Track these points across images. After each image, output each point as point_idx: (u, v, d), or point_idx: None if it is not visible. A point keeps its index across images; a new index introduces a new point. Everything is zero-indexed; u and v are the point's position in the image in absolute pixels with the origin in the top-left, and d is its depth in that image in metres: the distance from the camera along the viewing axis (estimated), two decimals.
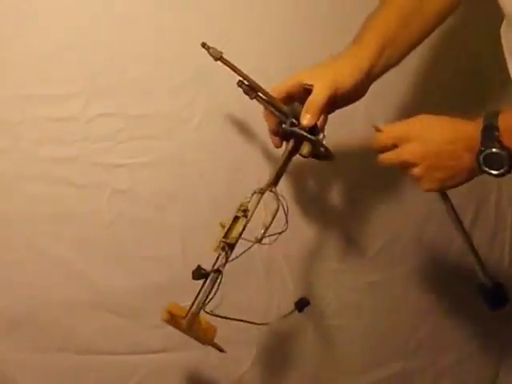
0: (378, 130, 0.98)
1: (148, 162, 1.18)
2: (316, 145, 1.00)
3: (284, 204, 0.97)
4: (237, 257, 0.95)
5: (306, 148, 1.00)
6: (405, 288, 1.44)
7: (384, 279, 1.42)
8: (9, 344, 1.12)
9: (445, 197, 1.03)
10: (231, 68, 0.99)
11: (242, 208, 0.94)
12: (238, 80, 1.01)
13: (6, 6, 1.07)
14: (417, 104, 1.35)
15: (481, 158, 0.90)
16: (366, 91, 1.06)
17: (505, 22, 1.03)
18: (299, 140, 1.01)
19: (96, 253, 1.16)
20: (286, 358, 1.36)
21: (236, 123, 1.22)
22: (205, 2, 1.21)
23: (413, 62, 1.24)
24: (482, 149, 0.90)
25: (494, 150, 0.89)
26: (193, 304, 0.93)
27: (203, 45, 0.97)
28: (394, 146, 0.96)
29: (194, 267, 1.19)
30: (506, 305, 1.08)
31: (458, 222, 1.06)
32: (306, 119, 0.99)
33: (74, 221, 1.14)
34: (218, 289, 0.94)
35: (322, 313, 1.38)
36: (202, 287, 0.93)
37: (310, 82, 1.01)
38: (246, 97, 1.05)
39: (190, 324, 0.93)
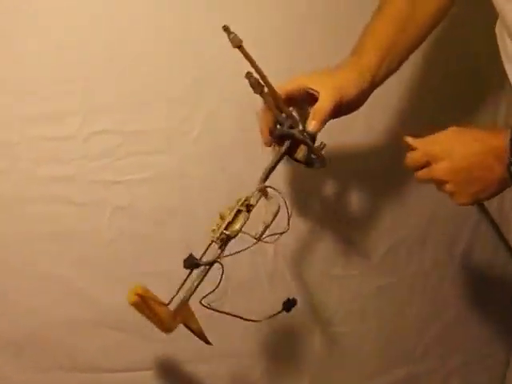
0: (410, 146, 0.99)
1: (147, 178, 1.17)
2: (313, 151, 1.00)
3: (286, 203, 0.97)
4: (237, 252, 0.93)
5: (301, 152, 1.01)
6: (410, 292, 1.44)
7: (389, 283, 1.42)
8: (12, 364, 1.12)
9: (482, 208, 1.03)
10: (248, 59, 0.96)
11: (246, 203, 0.94)
12: (247, 71, 0.98)
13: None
14: (415, 107, 1.35)
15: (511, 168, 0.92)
16: (367, 100, 1.07)
17: (499, 20, 1.03)
18: (295, 144, 1.00)
19: (96, 270, 1.16)
20: (292, 365, 1.37)
21: (236, 135, 1.22)
22: (203, 11, 1.19)
23: (410, 64, 1.22)
24: None
25: None
26: (178, 290, 0.91)
27: (225, 28, 0.94)
28: (427, 163, 0.97)
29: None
30: None
31: (499, 231, 1.07)
32: (312, 125, 1.00)
33: (74, 239, 1.14)
34: (220, 281, 0.93)
35: (328, 319, 1.38)
36: (189, 275, 0.92)
37: (315, 88, 1.01)
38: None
39: (179, 310, 0.91)
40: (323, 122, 1.00)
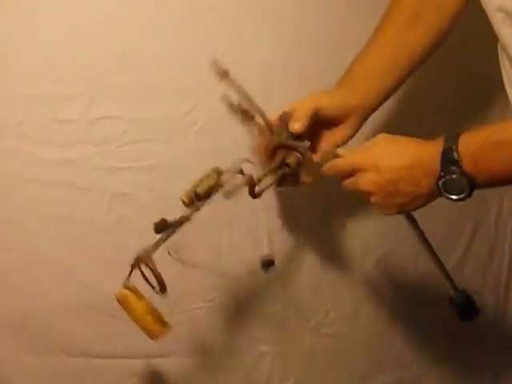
0: (336, 156, 0.99)
1: (148, 166, 1.17)
2: (304, 159, 1.01)
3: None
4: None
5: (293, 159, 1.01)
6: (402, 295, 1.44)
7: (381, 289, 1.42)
8: (7, 347, 1.12)
9: (409, 216, 1.03)
10: (236, 89, 1.00)
11: (217, 170, 0.96)
12: (236, 104, 1.02)
13: (9, 7, 1.07)
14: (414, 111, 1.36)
15: (440, 183, 0.89)
16: (360, 124, 1.08)
17: (499, 43, 1.01)
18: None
19: (94, 256, 1.15)
20: (284, 367, 1.36)
21: (238, 130, 1.21)
22: (211, 10, 1.21)
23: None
24: (442, 174, 0.89)
25: (454, 176, 0.88)
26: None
27: (213, 63, 0.98)
28: (353, 172, 0.96)
29: (192, 271, 1.20)
30: (476, 316, 1.10)
31: (423, 238, 1.08)
32: (297, 124, 1.01)
33: (74, 223, 1.14)
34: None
35: (319, 321, 1.38)
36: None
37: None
38: None
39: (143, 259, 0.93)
40: (306, 122, 1.01)
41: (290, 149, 1.01)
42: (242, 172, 0.98)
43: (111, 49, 1.13)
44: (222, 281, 1.24)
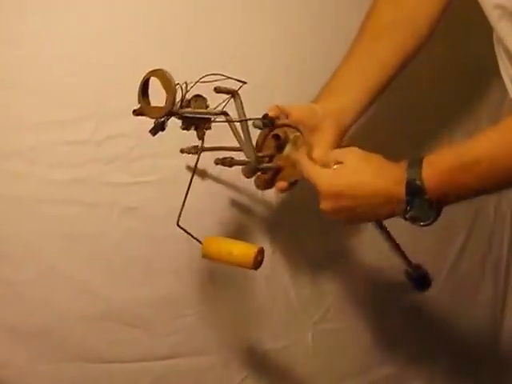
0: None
1: (157, 180, 1.21)
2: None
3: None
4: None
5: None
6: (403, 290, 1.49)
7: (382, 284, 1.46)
8: (26, 357, 1.17)
9: (379, 225, 1.07)
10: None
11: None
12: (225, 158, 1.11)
13: (15, 32, 1.10)
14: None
15: (408, 216, 0.91)
16: (335, 131, 1.08)
17: (494, 35, 1.02)
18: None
19: (107, 268, 1.20)
20: (283, 364, 1.41)
21: None
22: (214, 20, 1.22)
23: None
24: (408, 208, 0.90)
25: (420, 208, 0.89)
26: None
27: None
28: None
29: (200, 278, 1.26)
30: (428, 286, 1.22)
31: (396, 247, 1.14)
32: (271, 112, 1.04)
33: (86, 239, 1.18)
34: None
35: (322, 319, 1.43)
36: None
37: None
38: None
39: None
40: (277, 109, 1.05)
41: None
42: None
43: (115, 70, 1.16)
44: (224, 280, 1.29)
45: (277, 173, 1.10)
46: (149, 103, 0.96)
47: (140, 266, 1.22)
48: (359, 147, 1.00)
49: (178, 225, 0.99)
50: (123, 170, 1.19)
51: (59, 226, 1.16)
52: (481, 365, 1.60)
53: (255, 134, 1.11)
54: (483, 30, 1.00)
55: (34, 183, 1.13)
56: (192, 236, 0.99)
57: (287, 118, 1.07)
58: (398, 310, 1.49)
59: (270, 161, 1.11)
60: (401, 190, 0.90)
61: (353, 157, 0.97)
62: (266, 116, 1.04)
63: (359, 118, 1.12)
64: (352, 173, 0.95)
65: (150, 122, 1.16)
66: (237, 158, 1.13)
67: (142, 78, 0.95)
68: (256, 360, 1.36)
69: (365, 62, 1.10)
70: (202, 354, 1.30)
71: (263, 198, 1.31)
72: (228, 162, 1.12)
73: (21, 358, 1.17)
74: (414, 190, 0.89)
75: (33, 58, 1.11)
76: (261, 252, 0.96)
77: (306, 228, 1.36)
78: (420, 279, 1.23)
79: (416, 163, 0.89)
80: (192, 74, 1.17)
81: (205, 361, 1.30)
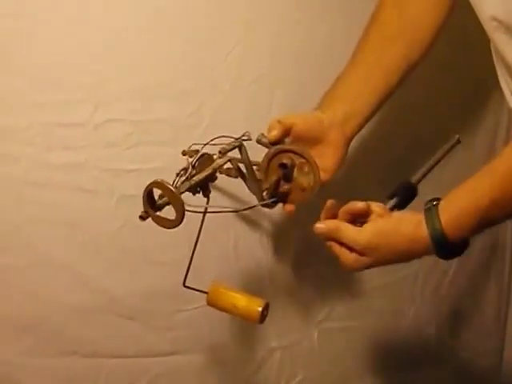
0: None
1: (154, 168, 1.18)
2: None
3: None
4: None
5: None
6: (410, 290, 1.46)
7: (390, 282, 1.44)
8: (17, 349, 1.12)
9: None
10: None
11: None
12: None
13: (14, 12, 1.07)
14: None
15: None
16: (341, 141, 1.07)
17: (491, 46, 1.02)
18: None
19: (104, 258, 1.16)
20: (293, 362, 1.38)
21: (244, 128, 1.22)
22: (217, 11, 1.22)
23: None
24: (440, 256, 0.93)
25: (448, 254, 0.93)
26: None
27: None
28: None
29: (200, 271, 1.21)
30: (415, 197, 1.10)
31: None
32: (273, 132, 1.02)
33: (82, 226, 1.14)
34: None
35: (327, 317, 1.40)
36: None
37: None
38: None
39: None
40: (281, 129, 1.02)
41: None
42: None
43: (115, 53, 1.14)
44: (229, 279, 1.25)
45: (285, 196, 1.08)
46: (157, 214, 0.96)
47: (139, 257, 1.18)
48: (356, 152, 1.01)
49: (184, 285, 0.95)
50: (121, 156, 1.16)
51: (54, 212, 1.12)
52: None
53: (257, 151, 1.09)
54: (482, 38, 1.00)
55: (28, 165, 1.10)
56: (199, 290, 0.97)
57: (290, 131, 1.04)
58: (405, 309, 1.48)
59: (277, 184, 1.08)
60: (428, 241, 0.92)
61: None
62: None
63: (364, 125, 1.12)
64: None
65: (147, 110, 1.17)
66: None
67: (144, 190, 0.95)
68: (260, 357, 1.32)
69: (371, 71, 1.10)
70: (204, 351, 1.26)
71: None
72: None
73: (10, 352, 1.12)
74: (440, 241, 0.91)
75: (31, 36, 1.08)
76: (266, 308, 0.95)
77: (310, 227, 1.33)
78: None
79: (432, 211, 0.92)
80: (192, 65, 1.19)
81: (207, 358, 1.26)
